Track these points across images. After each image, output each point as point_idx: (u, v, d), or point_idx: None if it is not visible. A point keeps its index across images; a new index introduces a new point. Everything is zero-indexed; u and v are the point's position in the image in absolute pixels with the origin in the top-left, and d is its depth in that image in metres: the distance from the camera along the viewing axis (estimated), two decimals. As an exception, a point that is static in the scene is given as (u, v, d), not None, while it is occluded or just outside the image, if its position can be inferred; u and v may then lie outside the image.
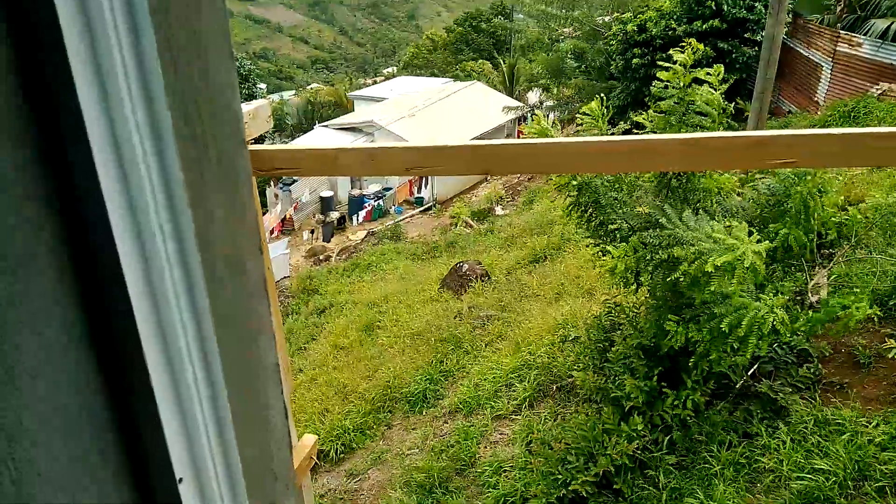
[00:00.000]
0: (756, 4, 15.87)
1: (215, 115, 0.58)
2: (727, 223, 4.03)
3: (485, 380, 6.90)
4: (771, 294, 3.91)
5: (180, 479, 0.57)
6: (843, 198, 4.25)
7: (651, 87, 5.24)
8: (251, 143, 2.25)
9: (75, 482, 0.48)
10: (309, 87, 44.27)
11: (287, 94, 42.72)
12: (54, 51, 0.47)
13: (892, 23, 14.12)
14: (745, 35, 16.10)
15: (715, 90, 4.57)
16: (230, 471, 0.62)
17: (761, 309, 3.67)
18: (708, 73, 4.69)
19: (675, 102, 4.71)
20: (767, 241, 3.77)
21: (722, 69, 4.70)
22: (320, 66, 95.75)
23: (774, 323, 3.64)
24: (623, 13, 17.61)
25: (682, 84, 4.64)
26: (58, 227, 0.49)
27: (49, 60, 0.47)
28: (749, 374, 4.79)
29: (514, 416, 6.18)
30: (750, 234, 3.74)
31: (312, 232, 21.77)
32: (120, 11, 0.48)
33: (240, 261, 0.62)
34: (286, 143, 28.38)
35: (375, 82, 43.63)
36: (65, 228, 0.49)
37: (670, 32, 15.94)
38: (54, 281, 0.48)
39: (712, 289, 3.73)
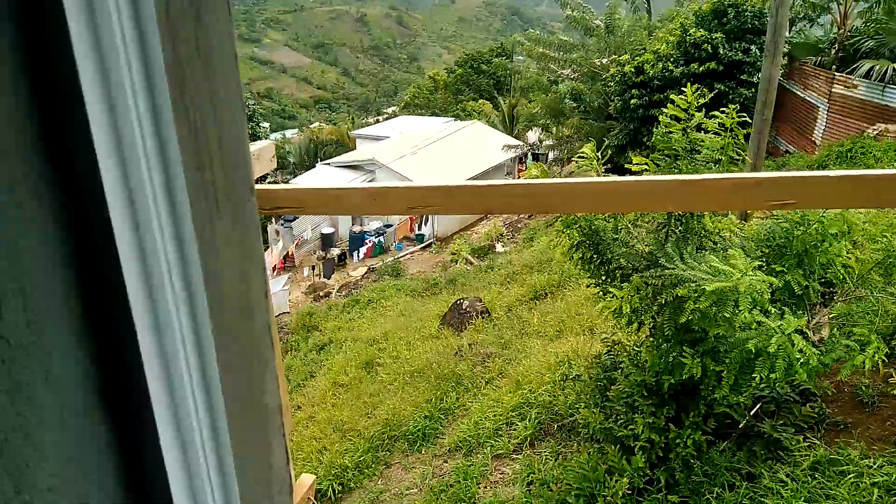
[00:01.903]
0: (751, 48, 16.18)
1: (227, 165, 0.60)
2: (723, 256, 4.06)
3: (485, 418, 6.83)
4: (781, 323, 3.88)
5: (183, 524, 0.58)
6: (845, 242, 4.26)
7: (653, 133, 5.32)
8: (255, 183, 2.28)
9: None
10: (311, 126, 44.83)
11: (290, 133, 43.26)
12: (72, 100, 0.49)
13: (875, 65, 14.40)
14: (742, 77, 16.37)
15: (727, 131, 4.62)
16: (232, 514, 0.62)
17: (787, 328, 3.63)
18: (723, 112, 4.75)
19: (682, 147, 4.76)
20: (770, 277, 3.77)
21: (734, 111, 4.74)
22: (323, 105, 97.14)
23: (802, 347, 3.59)
24: (620, 56, 17.94)
25: (688, 128, 4.69)
26: (73, 278, 0.50)
27: (68, 109, 0.49)
28: (751, 413, 4.74)
29: (514, 456, 6.09)
30: (760, 267, 3.75)
31: (313, 268, 21.80)
32: (137, 69, 0.50)
33: (248, 308, 0.63)
34: (287, 180, 28.62)
35: (377, 121, 44.22)
36: (80, 283, 0.50)
37: (667, 74, 16.22)
38: (69, 331, 0.49)
39: (728, 315, 3.70)
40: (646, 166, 4.98)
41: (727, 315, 3.70)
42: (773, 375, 3.63)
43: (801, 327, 3.75)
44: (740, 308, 3.59)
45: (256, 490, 0.63)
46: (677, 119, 4.84)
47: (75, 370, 0.49)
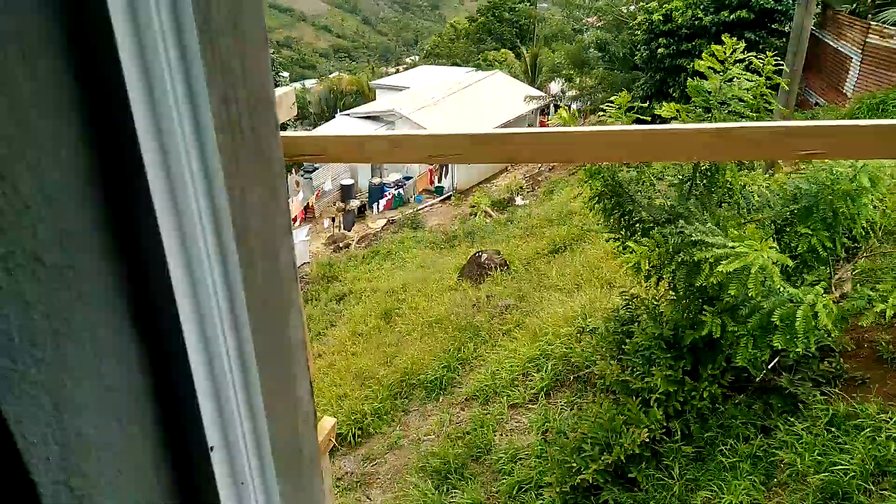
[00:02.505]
0: (785, -6, 15.57)
1: (251, 100, 0.60)
2: (743, 228, 4.00)
3: (502, 368, 6.92)
4: (803, 288, 3.86)
5: (212, 448, 0.59)
6: (873, 197, 4.16)
7: (680, 84, 5.20)
8: (276, 129, 2.28)
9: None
10: (331, 76, 44.35)
11: (309, 83, 42.86)
12: (105, 39, 0.49)
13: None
14: (773, 26, 15.81)
15: (762, 77, 4.51)
16: (258, 442, 0.64)
17: (816, 302, 3.60)
18: (759, 58, 4.63)
19: (717, 100, 4.65)
20: (783, 256, 3.71)
21: (772, 59, 4.62)
22: (342, 55, 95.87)
23: (825, 315, 3.57)
24: (648, 2, 17.37)
25: (723, 80, 4.58)
26: (102, 203, 0.51)
27: (99, 44, 0.49)
28: (769, 367, 4.75)
29: (530, 406, 6.20)
30: (782, 231, 3.70)
31: (333, 220, 21.89)
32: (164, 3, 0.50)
33: (272, 243, 0.64)
34: (308, 130, 28.51)
35: (398, 71, 43.61)
36: (109, 208, 0.51)
37: (696, 22, 15.70)
38: (101, 255, 0.50)
39: (745, 290, 3.68)
40: (676, 114, 4.89)
41: (744, 286, 3.67)
42: (794, 345, 3.62)
43: (825, 288, 3.72)
44: (749, 286, 3.56)
45: (283, 419, 0.64)
46: (713, 70, 4.72)
47: (107, 293, 0.50)
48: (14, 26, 0.42)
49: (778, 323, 3.68)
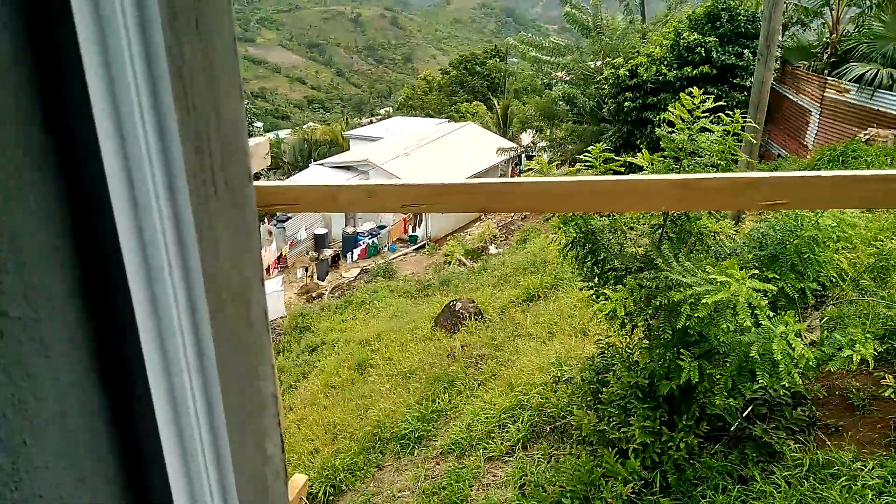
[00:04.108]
0: (744, 52, 16.27)
1: (225, 150, 0.60)
2: (719, 265, 4.07)
3: (477, 420, 6.83)
4: (773, 320, 3.89)
5: (177, 509, 0.57)
6: (839, 245, 4.28)
7: (647, 135, 5.37)
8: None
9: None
10: (305, 127, 44.74)
11: (283, 133, 43.18)
12: (77, 91, 0.49)
13: (871, 69, 14.49)
14: (735, 81, 16.47)
15: (728, 134, 4.67)
16: (226, 501, 0.61)
17: (787, 333, 3.63)
18: (728, 115, 4.80)
19: (678, 147, 4.79)
20: (768, 285, 3.77)
21: (738, 115, 4.79)
22: (317, 105, 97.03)
23: (800, 346, 3.60)
24: (614, 59, 18.00)
25: (692, 130, 4.72)
26: (71, 254, 0.50)
27: (70, 97, 0.49)
28: (743, 415, 4.76)
29: (507, 458, 6.09)
30: (753, 276, 3.75)
31: (307, 269, 21.74)
32: (137, 48, 0.50)
33: (244, 292, 0.63)
34: (281, 179, 28.56)
35: (371, 122, 44.22)
36: (78, 259, 0.50)
37: (661, 77, 16.28)
38: (67, 306, 0.48)
39: (725, 326, 3.71)
40: (648, 162, 5.02)
41: (726, 323, 3.70)
42: (777, 381, 3.63)
43: (800, 330, 3.76)
44: (739, 316, 3.59)
45: (253, 476, 0.62)
46: (681, 119, 4.87)
47: (73, 346, 0.48)
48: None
49: (757, 358, 3.70)
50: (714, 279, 3.77)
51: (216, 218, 0.58)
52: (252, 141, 2.74)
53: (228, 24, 0.56)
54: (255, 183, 2.41)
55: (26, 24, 0.45)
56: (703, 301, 3.70)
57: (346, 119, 50.41)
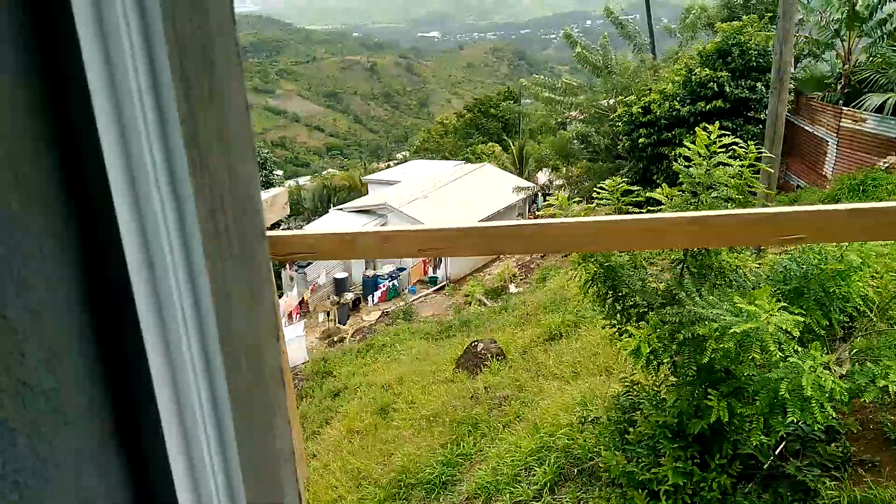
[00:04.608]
0: (757, 85, 16.31)
1: (238, 208, 0.62)
2: (748, 294, 4.01)
3: (503, 463, 6.70)
4: (800, 354, 3.80)
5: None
6: (864, 274, 4.20)
7: (664, 169, 5.40)
8: (268, 230, 2.31)
9: None
10: (324, 173, 45.45)
11: (303, 180, 43.87)
12: (91, 146, 0.51)
13: (889, 97, 14.45)
14: (749, 114, 16.48)
15: (746, 167, 4.67)
16: (244, 561, 0.61)
17: (816, 367, 3.54)
18: (741, 147, 4.80)
19: (696, 182, 4.80)
20: (797, 316, 3.70)
21: (753, 147, 4.79)
22: (335, 152, 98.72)
23: (829, 380, 3.50)
24: (627, 96, 18.15)
25: (709, 165, 4.73)
26: (86, 318, 0.52)
27: (81, 142, 0.51)
28: (776, 453, 4.62)
29: (534, 502, 5.95)
30: (782, 309, 3.68)
31: (328, 314, 21.80)
32: (150, 108, 0.52)
33: (257, 349, 0.64)
34: (301, 226, 28.92)
35: (388, 166, 44.78)
36: (95, 325, 0.51)
37: (674, 113, 16.35)
38: (85, 376, 0.50)
39: (751, 360, 3.63)
40: (667, 197, 5.04)
41: (754, 354, 3.63)
42: (809, 416, 3.53)
43: (828, 363, 3.67)
44: (769, 349, 3.52)
45: (268, 534, 0.62)
46: (698, 154, 4.88)
47: (92, 413, 0.50)
48: (4, 153, 0.44)
49: (787, 396, 3.60)
50: (741, 309, 3.71)
51: (231, 277, 0.59)
52: (271, 192, 2.79)
53: (240, 91, 0.58)
54: (274, 232, 2.45)
55: (45, 107, 0.47)
56: (731, 331, 3.63)
57: (364, 164, 51.15)
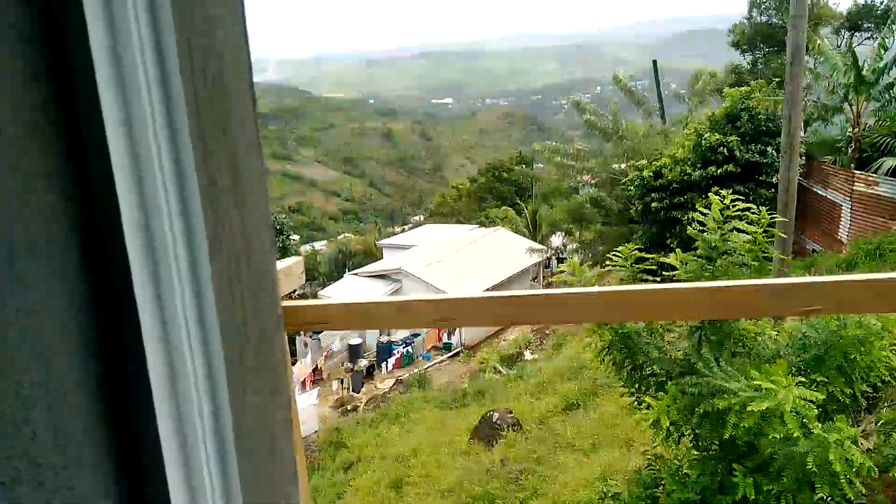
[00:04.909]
0: (767, 149, 16.44)
1: (256, 301, 0.62)
2: (765, 368, 3.92)
3: (521, 541, 6.46)
4: (825, 426, 3.68)
5: None
6: (887, 342, 4.11)
7: (678, 233, 5.42)
8: (284, 300, 2.32)
9: None
10: (340, 237, 45.96)
11: (319, 244, 44.32)
12: (111, 227, 0.52)
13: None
14: (761, 178, 16.56)
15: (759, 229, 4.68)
16: None
17: (842, 440, 3.42)
18: (754, 213, 4.82)
19: (711, 247, 4.80)
20: (815, 392, 3.61)
21: (766, 213, 4.81)
22: (351, 216, 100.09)
23: (857, 453, 3.38)
24: (637, 161, 18.36)
25: (723, 231, 4.75)
26: (104, 419, 0.52)
27: (106, 230, 0.52)
28: (807, 531, 4.41)
29: (554, 582, 5.70)
30: (799, 384, 3.60)
31: (342, 381, 21.57)
32: (174, 200, 0.54)
33: (273, 442, 0.63)
34: (316, 291, 29.02)
35: (403, 230, 45.24)
36: (109, 418, 0.52)
37: (686, 177, 16.47)
38: (97, 465, 0.50)
39: (773, 437, 3.52)
40: (682, 262, 5.03)
41: (774, 434, 3.52)
42: (838, 492, 3.40)
43: (854, 436, 3.56)
44: (787, 426, 3.42)
45: None
46: (713, 220, 4.90)
47: (102, 494, 0.49)
48: (22, 232, 0.45)
49: (815, 471, 3.47)
50: (759, 385, 3.63)
51: (247, 370, 0.59)
52: (287, 261, 2.82)
53: (262, 193, 0.60)
54: (289, 302, 2.45)
55: (68, 208, 0.49)
56: (749, 409, 3.54)
57: (380, 228, 51.70)
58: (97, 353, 0.53)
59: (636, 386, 5.10)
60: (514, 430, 10.27)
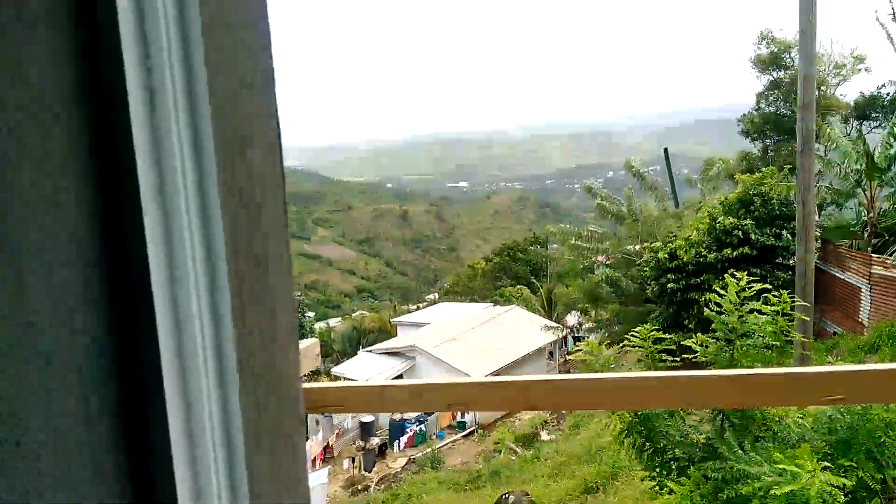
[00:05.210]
0: (782, 233, 16.44)
1: (278, 395, 0.65)
2: (789, 452, 3.81)
3: None
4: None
5: None
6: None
7: (704, 312, 5.39)
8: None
9: None
10: (354, 315, 45.93)
11: (334, 321, 44.25)
12: (149, 352, 0.55)
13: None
14: (777, 261, 16.49)
15: (779, 315, 4.65)
16: None
17: None
18: (775, 296, 4.80)
19: (729, 329, 4.77)
20: (841, 478, 3.49)
21: (787, 297, 4.81)
22: (366, 294, 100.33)
23: None
24: (652, 243, 18.42)
25: (739, 311, 4.73)
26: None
27: (145, 359, 0.55)
28: None
29: None
30: (825, 468, 3.49)
31: (353, 460, 21.03)
32: (206, 310, 0.57)
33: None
34: (329, 369, 28.77)
35: (418, 308, 45.15)
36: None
37: (701, 259, 16.45)
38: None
39: None
40: (701, 344, 4.99)
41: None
42: None
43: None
44: None
45: None
46: (730, 302, 4.88)
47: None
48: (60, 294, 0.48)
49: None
50: (783, 469, 3.52)
51: (265, 467, 0.61)
52: (304, 343, 2.84)
53: (288, 291, 0.63)
54: (306, 385, 2.46)
55: (104, 307, 0.53)
56: (773, 492, 3.42)
57: (395, 306, 51.66)
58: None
59: (657, 470, 4.95)
60: (530, 517, 9.89)
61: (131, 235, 0.51)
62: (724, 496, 4.02)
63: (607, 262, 21.90)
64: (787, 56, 26.21)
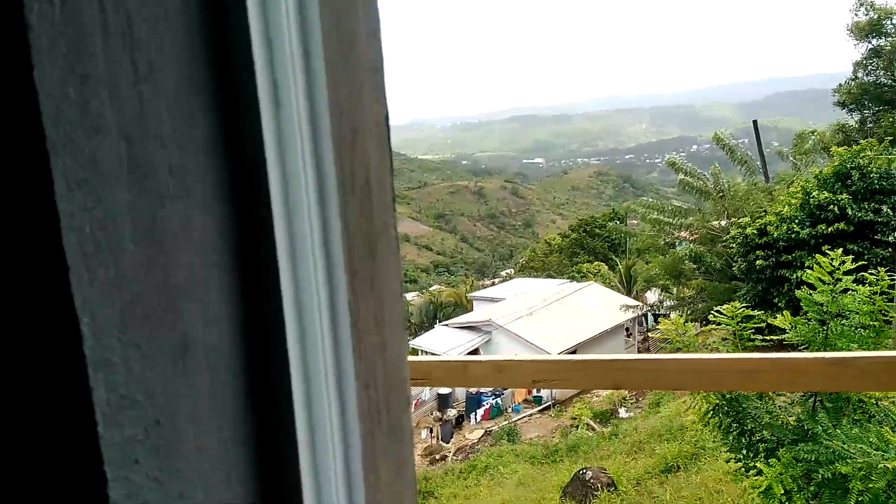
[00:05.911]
0: (883, 208, 15.32)
1: (389, 383, 0.66)
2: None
3: None
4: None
5: None
6: None
7: (796, 293, 5.15)
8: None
9: None
10: (431, 289, 46.50)
11: (411, 296, 44.98)
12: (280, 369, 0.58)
13: None
14: (876, 237, 15.42)
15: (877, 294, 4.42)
16: None
17: None
18: (873, 274, 4.57)
19: (824, 311, 4.56)
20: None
21: (884, 274, 4.56)
22: (442, 269, 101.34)
23: None
24: (739, 218, 17.62)
25: (835, 292, 4.52)
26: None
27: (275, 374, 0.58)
28: None
29: None
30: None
31: (431, 430, 21.50)
32: (325, 306, 0.59)
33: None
34: (408, 340, 29.35)
35: (494, 283, 45.20)
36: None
37: (793, 236, 15.61)
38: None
39: None
40: (791, 325, 4.80)
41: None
42: None
43: None
44: None
45: None
46: (822, 281, 4.66)
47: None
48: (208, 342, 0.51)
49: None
50: (889, 443, 3.35)
51: (378, 450, 0.63)
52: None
53: (396, 280, 0.65)
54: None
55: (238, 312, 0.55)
56: (879, 467, 3.27)
57: (471, 282, 51.94)
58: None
59: (744, 451, 4.82)
60: (608, 490, 9.84)
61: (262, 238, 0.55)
62: (819, 477, 3.88)
63: (691, 239, 21.12)
64: (889, 23, 24.23)
